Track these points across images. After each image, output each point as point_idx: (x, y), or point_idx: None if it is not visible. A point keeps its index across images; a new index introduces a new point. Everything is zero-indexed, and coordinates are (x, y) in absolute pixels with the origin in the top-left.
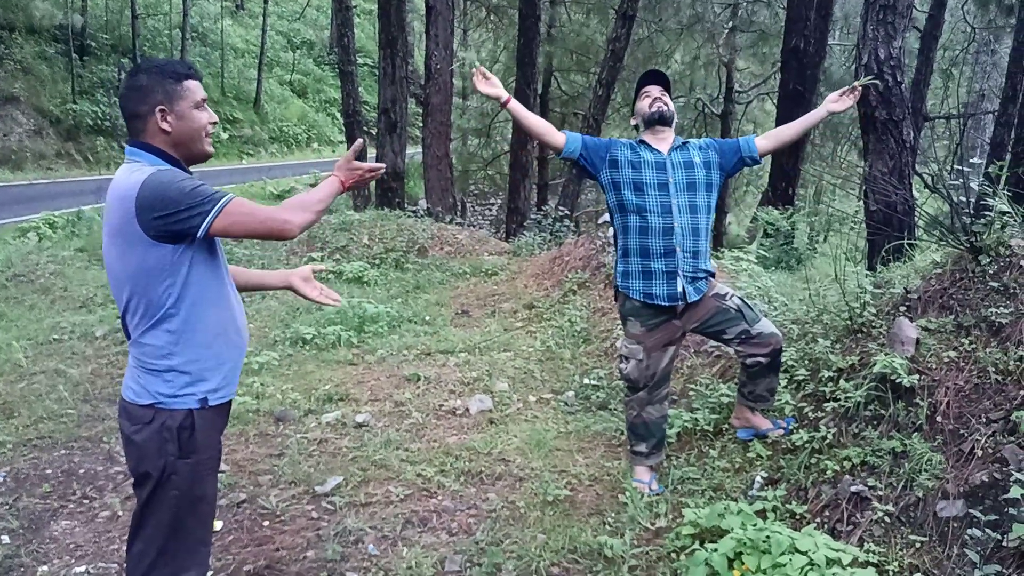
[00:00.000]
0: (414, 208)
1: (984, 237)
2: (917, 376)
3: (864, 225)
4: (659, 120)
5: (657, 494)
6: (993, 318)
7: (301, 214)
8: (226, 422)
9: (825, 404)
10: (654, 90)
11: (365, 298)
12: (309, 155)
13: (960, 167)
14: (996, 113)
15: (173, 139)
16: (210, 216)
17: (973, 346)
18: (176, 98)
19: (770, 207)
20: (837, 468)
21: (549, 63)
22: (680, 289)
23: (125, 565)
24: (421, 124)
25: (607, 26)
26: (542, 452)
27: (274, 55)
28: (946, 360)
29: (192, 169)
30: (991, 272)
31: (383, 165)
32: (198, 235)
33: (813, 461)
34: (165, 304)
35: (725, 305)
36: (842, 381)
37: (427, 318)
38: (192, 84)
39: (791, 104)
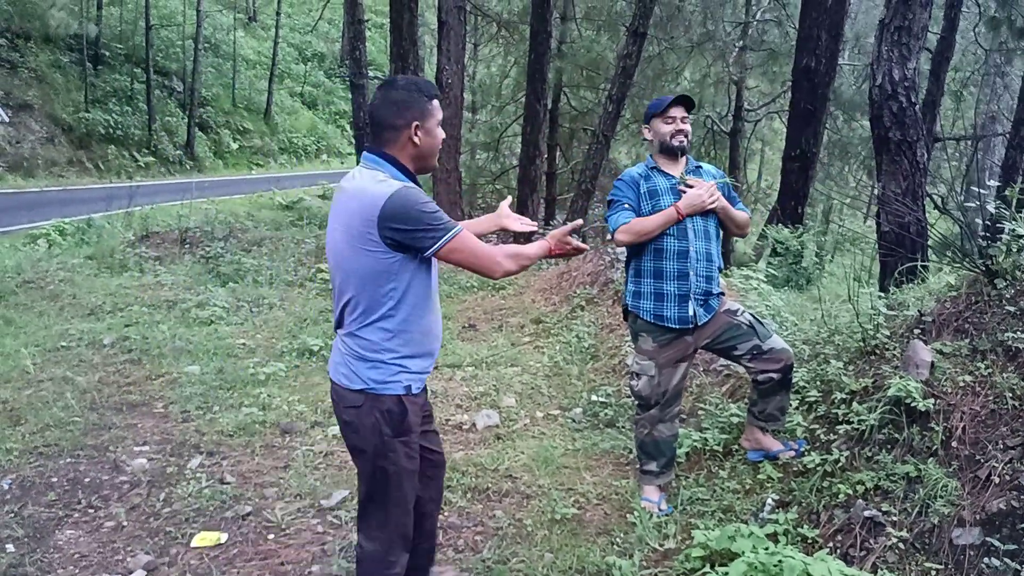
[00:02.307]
0: None
1: (1000, 260)
2: (932, 400)
3: (876, 245)
4: (681, 153)
5: (666, 514)
6: (1010, 343)
7: (510, 262)
8: (426, 401)
9: (838, 427)
10: (679, 114)
11: None
12: (318, 166)
13: (975, 189)
14: (1008, 135)
15: (418, 152)
16: (440, 242)
17: (989, 371)
18: (428, 115)
19: (780, 225)
20: (850, 492)
21: (559, 79)
22: (691, 312)
23: (357, 526)
24: None
25: (617, 42)
26: (549, 469)
27: (285, 67)
28: (961, 384)
29: (200, 178)
30: (1008, 296)
31: (587, 247)
32: (426, 254)
33: (825, 484)
34: (385, 305)
35: (736, 321)
36: (855, 404)
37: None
38: (437, 104)
39: (801, 123)
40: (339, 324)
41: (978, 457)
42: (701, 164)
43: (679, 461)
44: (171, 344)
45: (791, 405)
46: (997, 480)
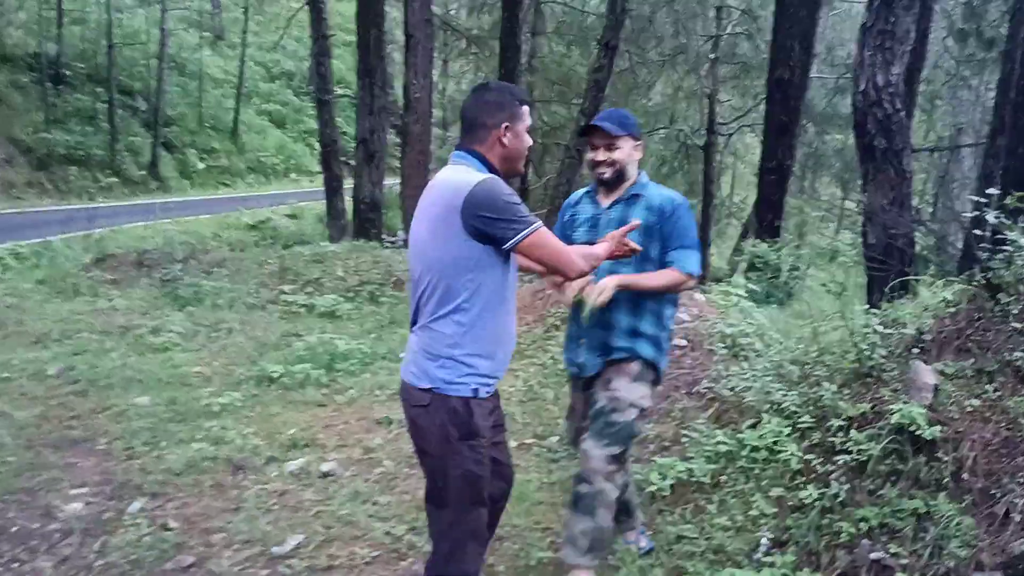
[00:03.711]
0: (392, 239)
1: (1004, 274)
2: (939, 428)
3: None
4: (608, 185)
5: (648, 551)
6: (1019, 363)
7: (584, 262)
8: (496, 406)
9: (835, 456)
10: (600, 143)
11: (337, 334)
12: (287, 185)
13: (976, 198)
14: (985, 145)
15: (505, 153)
16: (521, 234)
17: (998, 394)
18: (518, 118)
19: (757, 240)
20: (853, 530)
21: (531, 94)
22: (582, 359)
23: (430, 533)
24: (400, 155)
25: (588, 57)
26: (524, 506)
27: (253, 85)
28: (969, 410)
29: (165, 198)
30: (1015, 312)
31: (640, 248)
32: (505, 246)
33: (825, 522)
34: (461, 295)
35: (596, 396)
36: (853, 431)
37: (402, 355)
38: (527, 110)
39: (777, 135)
40: (414, 321)
41: (993, 491)
42: (644, 190)
43: (664, 494)
44: (121, 373)
45: (783, 433)
46: (1018, 518)
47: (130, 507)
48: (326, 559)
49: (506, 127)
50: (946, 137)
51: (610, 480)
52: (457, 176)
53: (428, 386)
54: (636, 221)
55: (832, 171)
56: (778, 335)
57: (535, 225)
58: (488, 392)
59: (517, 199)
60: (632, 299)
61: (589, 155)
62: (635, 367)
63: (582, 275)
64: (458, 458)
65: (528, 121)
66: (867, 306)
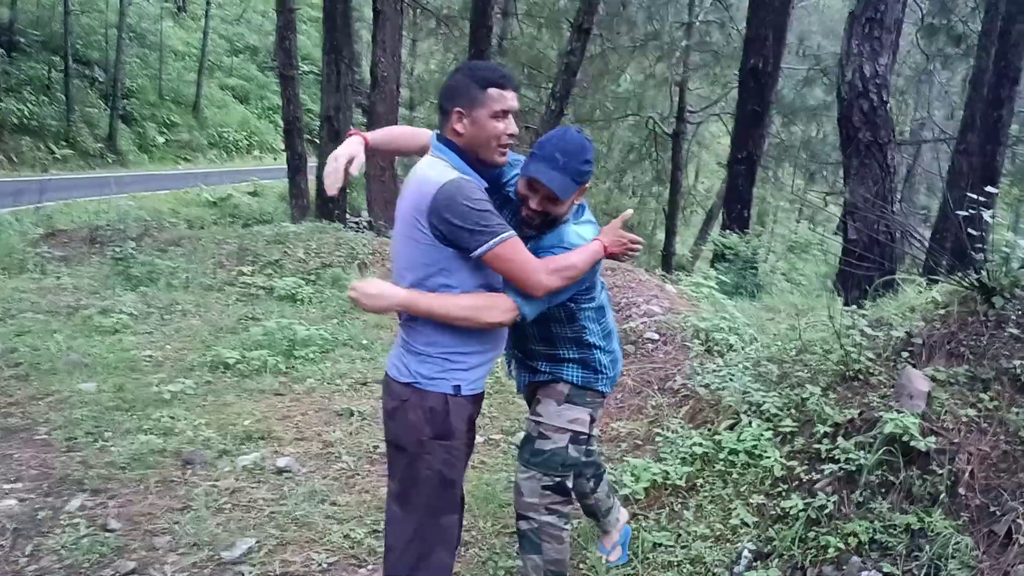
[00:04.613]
0: (356, 220)
1: (999, 276)
2: (933, 438)
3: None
4: (525, 224)
5: (619, 565)
6: (1018, 372)
7: (553, 279)
8: (478, 412)
9: (821, 465)
10: (540, 191)
11: (297, 319)
12: (249, 162)
13: (971, 195)
14: (955, 140)
15: (463, 142)
16: (486, 246)
17: (995, 403)
18: (478, 104)
19: (726, 230)
20: (841, 545)
21: None
22: (514, 374)
23: (385, 536)
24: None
25: (559, 40)
26: (491, 508)
27: (216, 59)
28: (964, 420)
29: (123, 172)
30: (1014, 317)
31: (642, 241)
32: (471, 255)
33: (810, 535)
34: None
35: (528, 430)
36: (840, 439)
37: (364, 341)
38: (495, 92)
39: (748, 125)
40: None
41: (992, 508)
42: (571, 221)
43: (637, 498)
44: (66, 357)
45: (764, 436)
46: (1023, 540)
47: (68, 505)
48: (279, 565)
49: (459, 113)
50: (907, 132)
51: (552, 511)
52: (427, 173)
53: (408, 380)
54: (629, 212)
55: (798, 162)
56: (752, 330)
57: (502, 236)
58: (472, 390)
59: (484, 205)
60: (540, 326)
61: (521, 190)
62: (564, 388)
63: (549, 292)
64: (429, 458)
65: (496, 106)
66: (845, 303)
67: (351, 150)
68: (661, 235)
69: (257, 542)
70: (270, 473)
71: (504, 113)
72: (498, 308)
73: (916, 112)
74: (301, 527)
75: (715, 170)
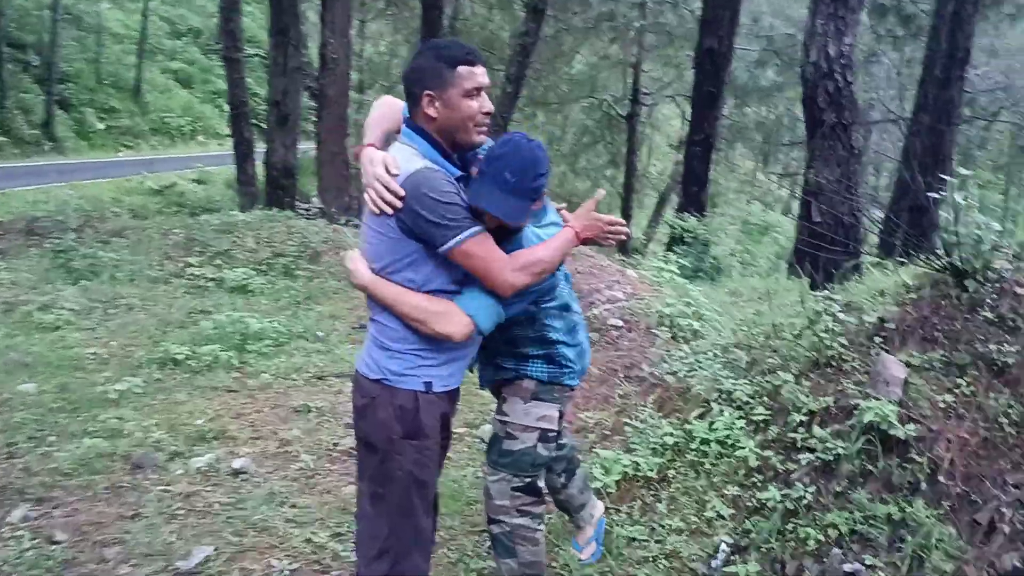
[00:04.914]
0: (306, 207)
1: (973, 259)
2: (912, 426)
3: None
4: None
5: (594, 562)
6: (994, 356)
7: (521, 276)
8: (453, 411)
9: (797, 454)
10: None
11: (249, 311)
12: (194, 148)
13: (944, 176)
14: (910, 121)
15: (438, 126)
16: (453, 241)
17: (972, 389)
18: (448, 84)
19: (684, 213)
20: (821, 537)
21: None
22: (476, 368)
23: (355, 543)
24: (315, 118)
25: (511, 21)
26: (458, 506)
27: (157, 42)
28: (942, 406)
29: (61, 160)
30: (989, 302)
31: (626, 227)
32: (438, 251)
33: (789, 527)
34: None
35: (495, 430)
36: (816, 427)
37: (320, 333)
38: (465, 71)
39: (704, 107)
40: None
41: (974, 497)
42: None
43: (609, 491)
44: (4, 357)
45: (736, 425)
46: (1007, 530)
47: (10, 516)
48: (239, 574)
49: (430, 96)
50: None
51: (524, 513)
52: (400, 161)
53: (377, 377)
54: (601, 192)
55: (752, 144)
56: (716, 315)
57: (470, 231)
58: (445, 387)
59: (452, 197)
60: (501, 329)
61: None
62: (530, 385)
63: (517, 291)
64: (400, 459)
65: (468, 84)
66: (811, 286)
67: (382, 156)
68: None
69: (214, 550)
70: (226, 475)
71: (477, 90)
72: (452, 320)
73: (865, 93)
74: (260, 532)
75: (667, 152)
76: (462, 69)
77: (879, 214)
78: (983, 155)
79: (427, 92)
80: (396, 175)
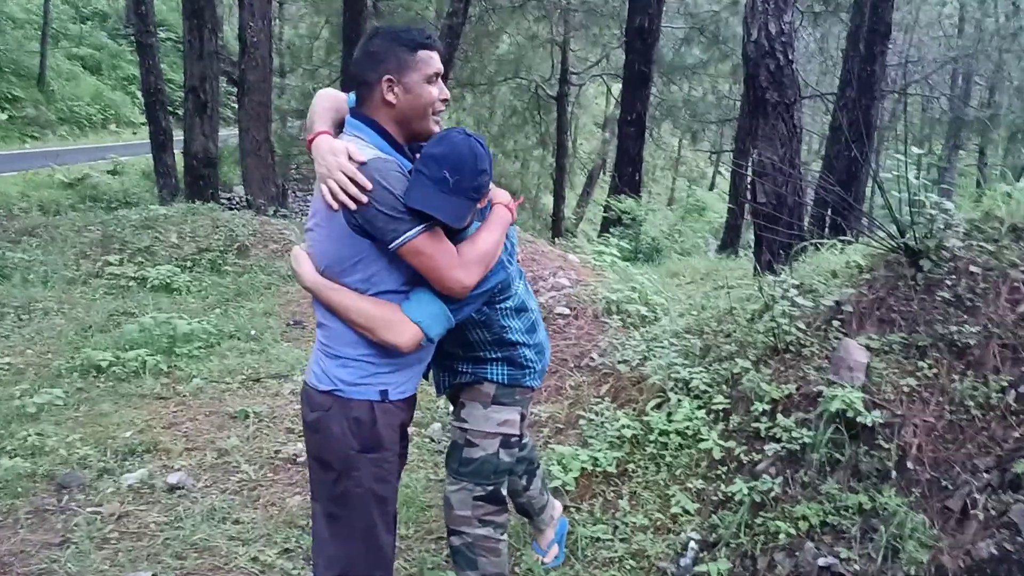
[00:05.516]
0: (229, 197)
1: (926, 239)
2: (878, 412)
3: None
4: None
5: (557, 566)
6: (954, 337)
7: (472, 273)
8: (410, 419)
9: (762, 445)
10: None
11: (175, 311)
12: (106, 138)
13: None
14: (836, 96)
15: (396, 113)
16: (404, 237)
17: (935, 371)
18: (408, 68)
19: (620, 195)
20: (792, 531)
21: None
22: (432, 373)
23: (313, 564)
24: (236, 105)
25: (437, 1)
26: (411, 511)
27: (61, 26)
28: (905, 390)
29: None
30: (948, 283)
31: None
32: (389, 247)
33: (757, 520)
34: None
35: (452, 426)
36: (780, 416)
37: (253, 332)
38: (425, 55)
39: (636, 86)
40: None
41: (944, 483)
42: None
43: (568, 489)
44: None
45: (697, 415)
46: (981, 516)
47: None
48: None
49: (390, 81)
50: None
51: (486, 523)
52: None
53: (328, 388)
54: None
55: (679, 122)
56: (662, 299)
57: (423, 225)
58: (402, 394)
59: (404, 187)
60: (454, 333)
61: None
62: (490, 389)
63: (469, 289)
64: (358, 476)
65: (428, 69)
66: (756, 266)
67: (343, 145)
68: (546, 200)
69: (153, 575)
70: (161, 492)
71: (436, 76)
72: (399, 329)
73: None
74: (202, 553)
75: (594, 131)
76: (423, 53)
77: (811, 191)
78: (895, 128)
79: (387, 77)
80: (363, 163)
